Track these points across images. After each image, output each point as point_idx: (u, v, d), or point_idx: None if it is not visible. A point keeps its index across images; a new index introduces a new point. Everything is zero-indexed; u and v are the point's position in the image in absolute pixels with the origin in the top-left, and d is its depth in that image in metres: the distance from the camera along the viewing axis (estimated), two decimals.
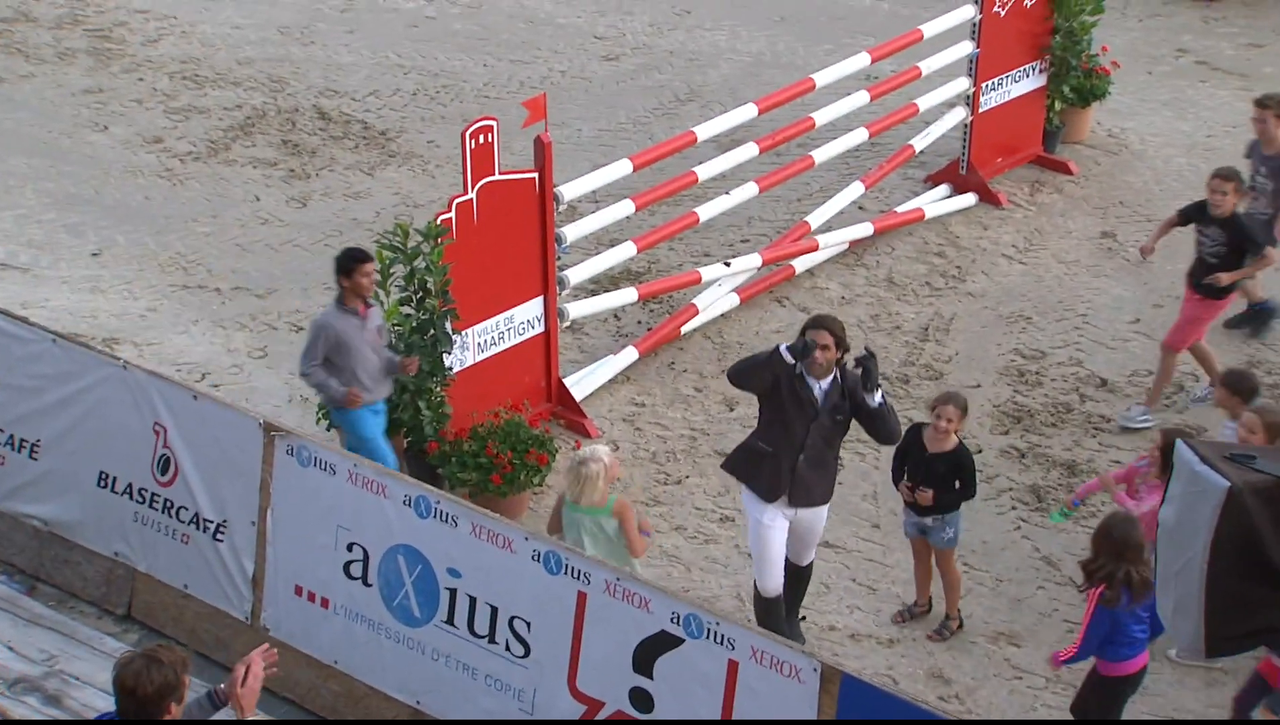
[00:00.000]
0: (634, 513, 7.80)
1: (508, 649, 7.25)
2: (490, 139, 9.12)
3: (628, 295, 10.55)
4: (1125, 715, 7.14)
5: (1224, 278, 9.44)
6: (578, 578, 7.06)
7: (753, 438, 8.06)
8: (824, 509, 8.07)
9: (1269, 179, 10.09)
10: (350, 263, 8.52)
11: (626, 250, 10.46)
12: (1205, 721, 7.09)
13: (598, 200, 11.33)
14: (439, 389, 9.15)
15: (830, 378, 7.79)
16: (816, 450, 7.82)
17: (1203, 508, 4.75)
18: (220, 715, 5.69)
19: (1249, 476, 4.71)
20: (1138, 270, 11.37)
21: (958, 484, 8.07)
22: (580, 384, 10.21)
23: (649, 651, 6.91)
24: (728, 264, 10.97)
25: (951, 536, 8.16)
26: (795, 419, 7.78)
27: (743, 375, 7.95)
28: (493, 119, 9.22)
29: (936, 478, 8.04)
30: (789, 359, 7.74)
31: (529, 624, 7.19)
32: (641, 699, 6.96)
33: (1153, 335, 10.38)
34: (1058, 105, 12.58)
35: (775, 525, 7.89)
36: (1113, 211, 12.11)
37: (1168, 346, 9.72)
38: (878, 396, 7.76)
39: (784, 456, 7.82)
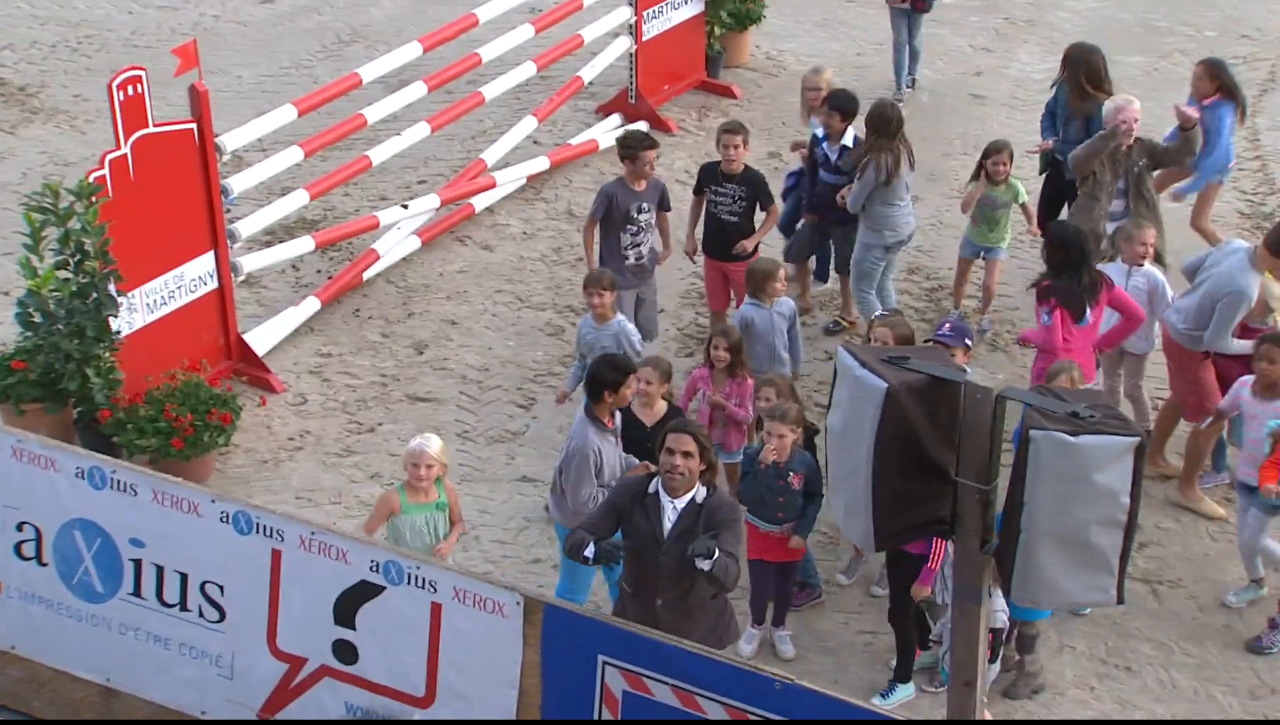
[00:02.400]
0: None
1: (201, 615, 7.04)
2: (140, 90, 8.70)
3: (304, 244, 10.29)
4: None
5: (748, 244, 9.43)
6: (271, 536, 6.89)
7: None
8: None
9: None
10: None
11: (299, 198, 10.20)
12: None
13: (264, 149, 10.97)
14: (107, 354, 8.74)
15: (688, 497, 6.53)
16: (674, 590, 6.50)
17: (865, 410, 4.96)
18: None
19: (905, 377, 4.94)
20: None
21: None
22: (262, 338, 9.93)
23: (350, 603, 6.82)
24: (405, 206, 10.82)
25: None
26: (644, 549, 6.56)
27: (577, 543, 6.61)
28: (141, 69, 8.79)
29: (652, 455, 7.59)
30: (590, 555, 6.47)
31: (222, 588, 6.99)
32: (345, 651, 6.86)
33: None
34: (717, 30, 12.87)
35: None
36: (777, 132, 12.47)
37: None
38: (707, 564, 6.29)
39: (642, 597, 6.65)
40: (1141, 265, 8.60)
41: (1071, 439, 4.69)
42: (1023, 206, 9.81)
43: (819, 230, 10.03)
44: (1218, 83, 10.01)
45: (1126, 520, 4.76)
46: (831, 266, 10.26)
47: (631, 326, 8.67)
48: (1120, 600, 4.95)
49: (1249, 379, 7.75)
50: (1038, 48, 13.71)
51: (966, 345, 7.91)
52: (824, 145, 9.77)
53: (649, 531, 6.46)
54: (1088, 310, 8.22)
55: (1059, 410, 4.79)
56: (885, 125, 9.42)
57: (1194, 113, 9.51)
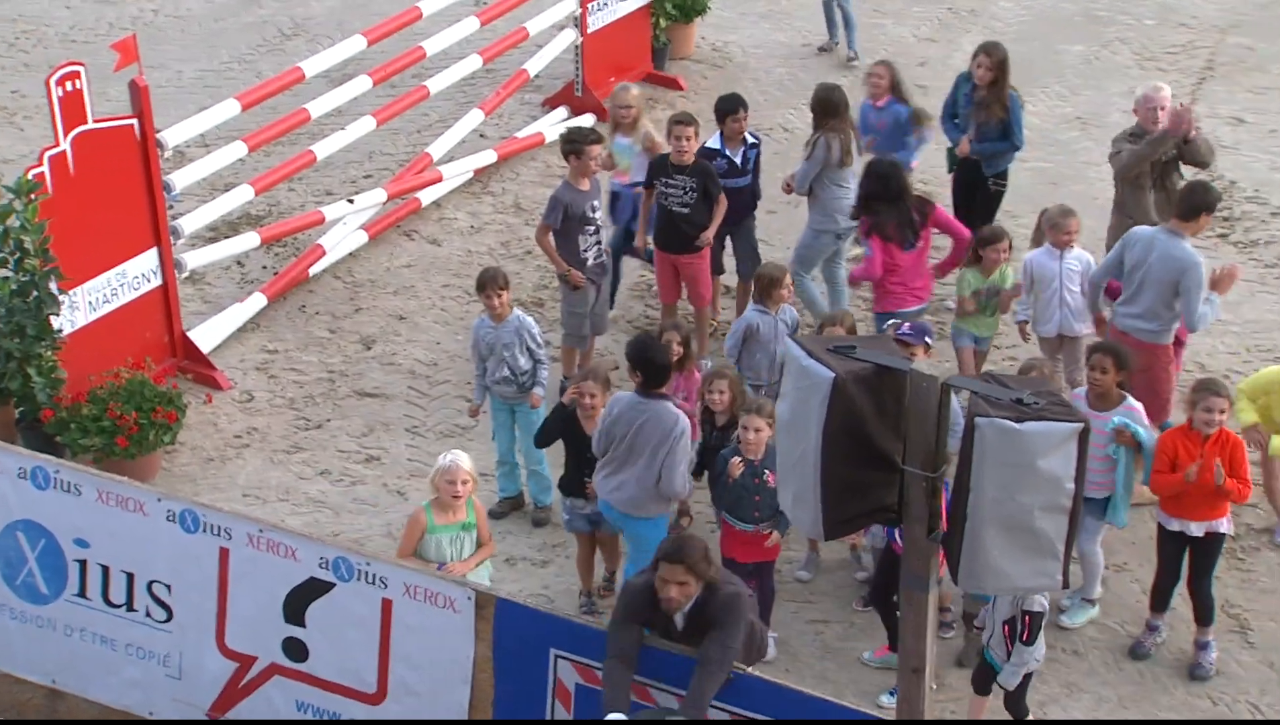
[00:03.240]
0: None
1: (148, 615, 6.97)
2: (79, 85, 8.60)
3: (249, 240, 10.21)
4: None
5: (709, 237, 9.35)
6: (218, 534, 6.84)
7: None
8: None
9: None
10: None
11: (243, 194, 10.12)
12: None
13: (207, 144, 10.89)
14: (49, 353, 8.63)
15: (691, 604, 6.25)
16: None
17: (813, 400, 4.98)
18: None
19: (851, 366, 4.96)
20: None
21: None
22: (207, 335, 9.85)
23: (300, 600, 6.78)
24: (351, 201, 10.76)
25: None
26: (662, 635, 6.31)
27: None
28: (80, 64, 8.68)
29: (593, 464, 7.67)
30: None
31: (169, 587, 6.93)
32: (295, 649, 6.82)
33: (767, 241, 10.76)
34: (663, 22, 12.88)
35: None
36: None
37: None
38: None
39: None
40: (1071, 249, 8.70)
41: (1016, 426, 4.73)
42: (1011, 289, 8.94)
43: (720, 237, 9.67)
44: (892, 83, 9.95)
45: (1070, 506, 4.80)
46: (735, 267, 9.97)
47: (530, 320, 8.52)
48: (1065, 585, 5.00)
49: (1082, 391, 7.68)
50: (980, 37, 13.70)
51: (927, 343, 7.94)
52: (725, 151, 9.51)
53: (663, 627, 6.30)
54: (913, 237, 8.71)
55: (1004, 398, 4.83)
56: (832, 108, 9.42)
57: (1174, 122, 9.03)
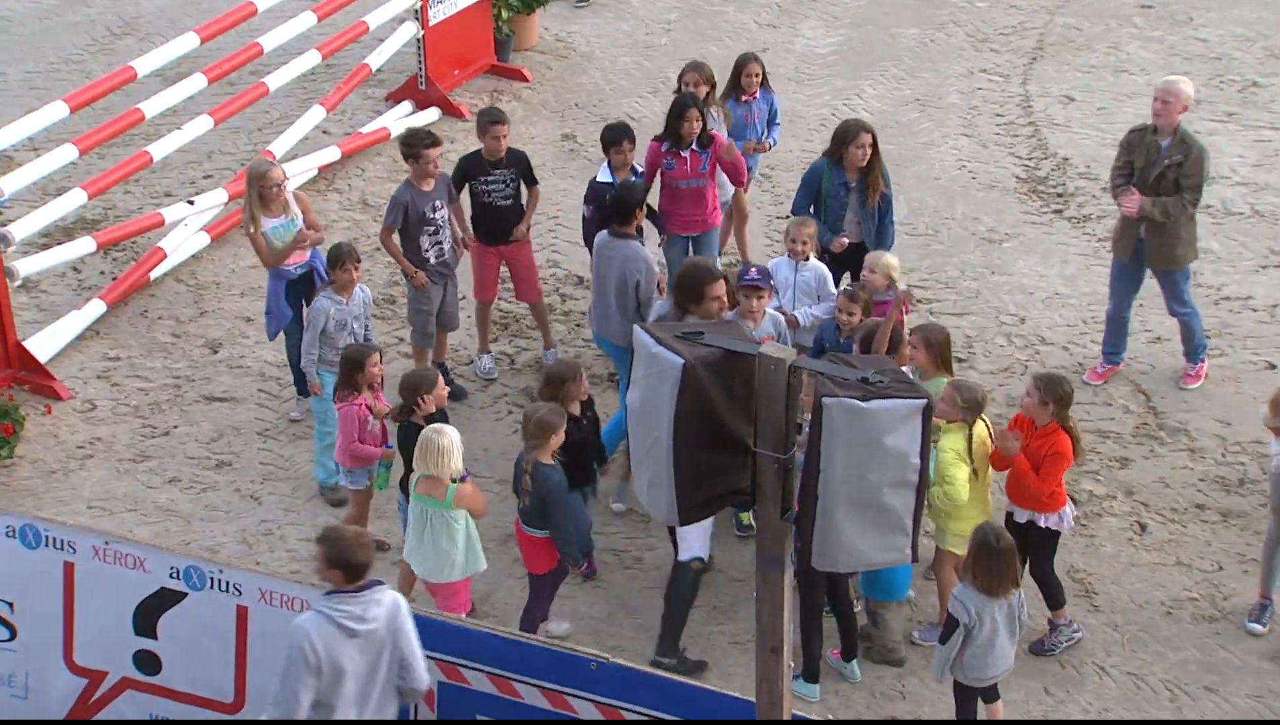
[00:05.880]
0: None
1: None
2: None
3: (85, 245, 9.93)
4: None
5: (523, 228, 9.32)
6: (62, 548, 6.66)
7: None
8: None
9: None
10: None
11: (76, 197, 9.84)
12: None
13: (36, 148, 10.58)
14: None
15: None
16: None
17: (663, 387, 4.99)
18: None
19: (700, 351, 4.98)
20: (599, 168, 11.79)
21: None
22: (44, 344, 9.57)
23: (150, 611, 6.64)
24: (191, 202, 10.53)
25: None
26: None
27: None
28: None
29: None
30: None
31: (11, 605, 6.73)
32: (148, 661, 6.68)
33: None
34: (505, 14, 12.82)
35: None
36: (570, 114, 12.50)
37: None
38: None
39: None
40: (806, 260, 8.55)
41: (862, 404, 4.79)
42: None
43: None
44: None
45: (917, 480, 4.89)
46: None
47: (367, 288, 8.69)
48: (914, 559, 5.09)
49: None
50: (820, 22, 14.00)
51: (773, 286, 8.09)
52: (615, 182, 9.04)
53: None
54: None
55: (850, 377, 4.89)
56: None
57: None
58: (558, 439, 7.32)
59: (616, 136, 9.17)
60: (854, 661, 7.60)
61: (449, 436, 7.14)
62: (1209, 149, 9.16)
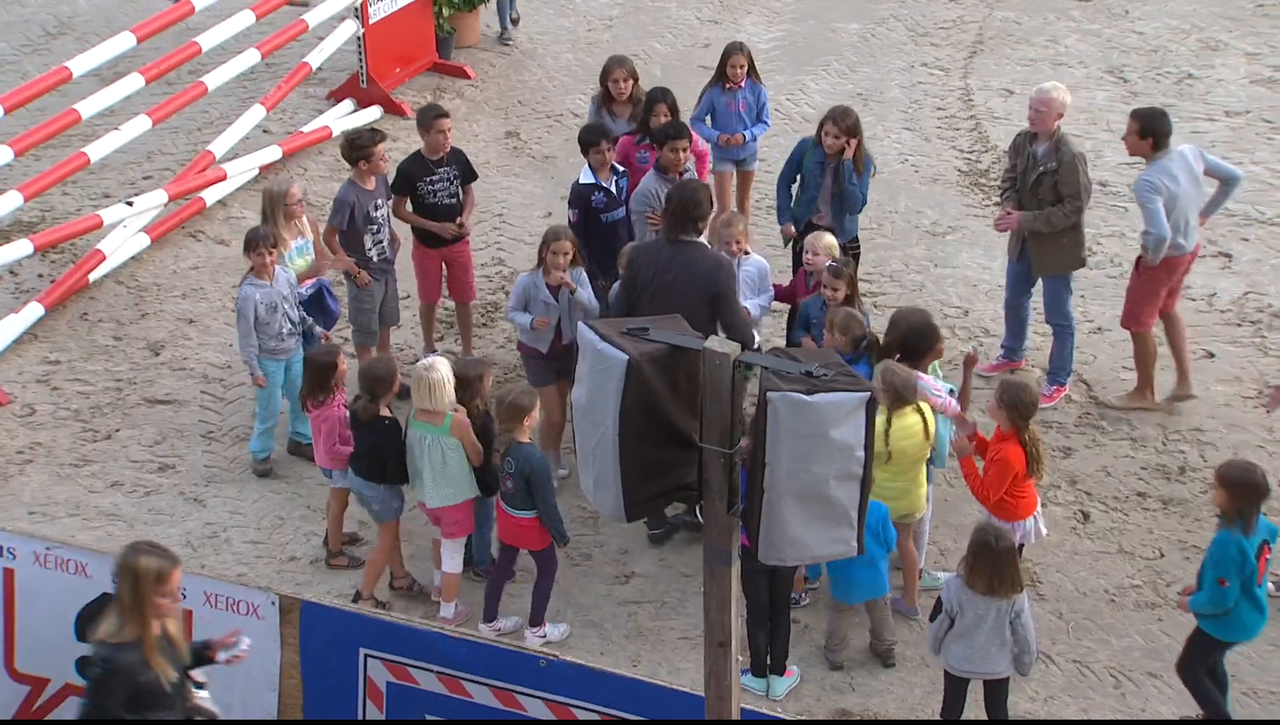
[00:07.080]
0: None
1: None
2: None
3: (22, 248, 9.81)
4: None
5: (466, 222, 9.30)
6: (1, 554, 6.59)
7: None
8: None
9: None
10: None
11: (12, 200, 9.72)
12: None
13: None
14: None
15: None
16: None
17: (608, 384, 4.99)
18: None
19: (645, 347, 4.98)
20: (543, 165, 11.80)
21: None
22: None
23: (93, 617, 6.51)
24: (130, 203, 10.42)
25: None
26: None
27: None
28: None
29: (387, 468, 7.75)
30: None
31: None
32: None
33: None
34: (445, 11, 12.77)
35: None
36: (514, 111, 12.48)
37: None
38: None
39: None
40: (746, 254, 8.55)
41: (807, 398, 4.81)
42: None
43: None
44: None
45: (862, 473, 4.92)
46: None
47: (289, 270, 8.68)
48: (861, 551, 5.11)
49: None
50: (761, 17, 14.05)
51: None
52: (600, 182, 8.98)
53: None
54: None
55: (794, 371, 4.91)
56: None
57: None
58: (531, 419, 7.55)
59: (594, 137, 9.05)
60: (781, 676, 7.48)
61: (439, 371, 7.49)
62: (1085, 154, 9.16)
